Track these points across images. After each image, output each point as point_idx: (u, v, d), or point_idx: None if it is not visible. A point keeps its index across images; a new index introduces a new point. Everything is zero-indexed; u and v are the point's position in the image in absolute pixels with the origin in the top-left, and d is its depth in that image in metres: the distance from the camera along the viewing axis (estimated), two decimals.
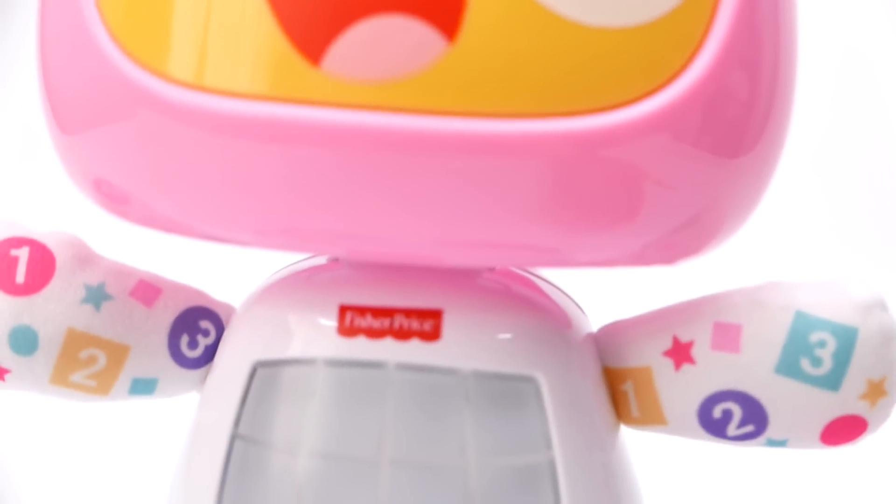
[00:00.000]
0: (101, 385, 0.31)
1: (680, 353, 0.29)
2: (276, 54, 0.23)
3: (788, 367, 0.28)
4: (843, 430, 0.29)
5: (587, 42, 0.23)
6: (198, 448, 0.31)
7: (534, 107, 0.24)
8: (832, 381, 0.28)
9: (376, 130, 0.23)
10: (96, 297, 0.30)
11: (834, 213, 0.64)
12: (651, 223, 0.26)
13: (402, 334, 0.28)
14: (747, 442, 0.30)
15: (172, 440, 0.34)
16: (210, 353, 0.31)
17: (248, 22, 0.24)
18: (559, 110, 0.24)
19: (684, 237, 0.27)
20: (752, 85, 0.26)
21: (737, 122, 0.26)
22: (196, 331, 0.31)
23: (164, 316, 0.31)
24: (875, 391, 0.29)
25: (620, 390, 0.31)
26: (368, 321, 0.28)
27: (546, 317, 0.29)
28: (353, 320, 0.28)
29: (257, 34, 0.23)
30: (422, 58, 0.23)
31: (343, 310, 0.28)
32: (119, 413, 0.49)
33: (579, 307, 0.31)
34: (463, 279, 0.30)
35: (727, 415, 0.29)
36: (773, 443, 0.30)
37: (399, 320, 0.28)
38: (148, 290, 0.31)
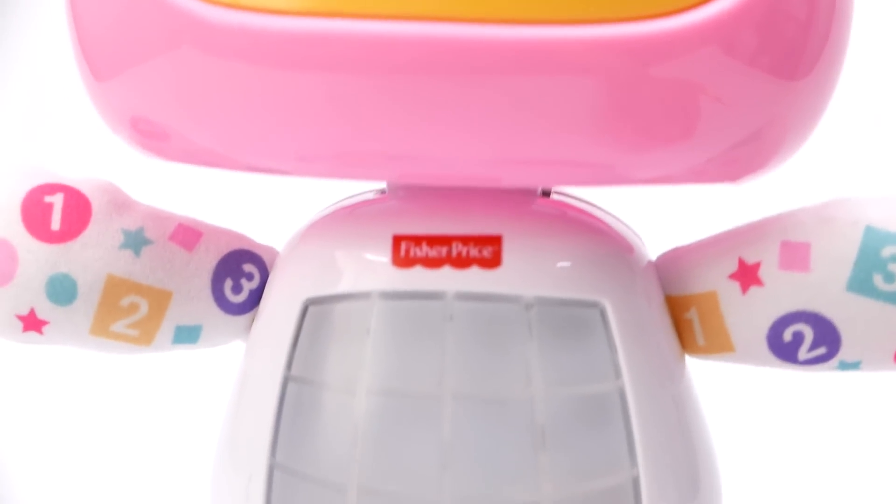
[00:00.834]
0: (144, 334, 0.29)
1: (747, 275, 0.28)
2: None
3: (861, 283, 0.27)
4: None
5: None
6: (248, 396, 0.29)
7: (584, 12, 0.23)
8: None
9: (426, 41, 0.22)
10: (135, 242, 0.29)
11: None
12: (709, 140, 0.25)
13: (461, 262, 0.27)
14: (819, 366, 0.29)
15: (172, 440, 0.32)
16: (255, 298, 0.30)
17: None
18: (610, 16, 0.23)
19: (745, 153, 0.26)
20: (809, 6, 0.25)
21: (794, 42, 0.25)
22: (240, 274, 0.30)
23: (206, 260, 0.29)
24: None
25: (684, 319, 0.29)
26: (425, 250, 0.27)
27: (607, 241, 0.28)
28: (408, 250, 0.27)
29: None
30: None
31: (397, 240, 0.27)
32: (119, 413, 0.48)
33: (637, 235, 0.30)
34: (519, 205, 0.28)
35: (798, 337, 0.28)
36: (845, 366, 0.28)
37: (457, 248, 0.27)
38: (188, 234, 0.29)
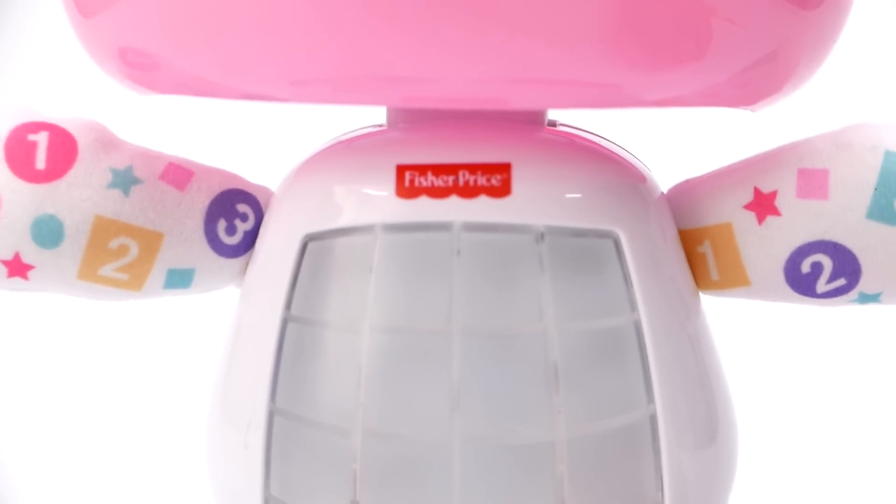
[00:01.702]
0: (134, 278, 0.28)
1: (763, 205, 0.27)
2: None
3: (882, 210, 0.26)
4: None
5: None
6: (244, 340, 0.28)
7: None
8: None
9: None
10: (124, 181, 0.27)
11: None
12: (720, 60, 0.24)
13: (469, 191, 0.26)
14: (838, 299, 0.28)
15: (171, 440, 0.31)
16: (250, 240, 0.29)
17: None
18: None
19: (757, 76, 0.25)
20: None
21: None
22: (234, 215, 0.29)
23: (199, 199, 0.28)
24: None
25: (697, 252, 0.28)
26: (430, 180, 0.26)
27: (619, 170, 0.27)
28: (412, 180, 0.26)
29: None
30: None
31: (401, 170, 0.26)
32: (117, 413, 0.47)
33: (647, 167, 0.29)
34: (527, 133, 0.27)
35: (817, 268, 0.27)
36: (865, 298, 0.27)
37: (464, 176, 0.26)
38: (179, 173, 0.28)
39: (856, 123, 0.28)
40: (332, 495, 0.27)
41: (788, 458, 0.44)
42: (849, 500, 0.41)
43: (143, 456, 0.44)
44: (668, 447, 0.26)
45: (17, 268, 0.27)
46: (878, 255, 0.27)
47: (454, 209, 0.26)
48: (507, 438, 0.26)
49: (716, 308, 0.30)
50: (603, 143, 0.28)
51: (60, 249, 0.27)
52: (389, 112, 0.28)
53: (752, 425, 0.33)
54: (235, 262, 0.29)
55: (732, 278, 0.28)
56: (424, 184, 0.26)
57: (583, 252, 0.26)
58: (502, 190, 0.26)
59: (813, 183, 0.27)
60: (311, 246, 0.27)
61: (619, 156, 0.28)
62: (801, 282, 0.27)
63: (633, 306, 0.26)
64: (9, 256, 0.27)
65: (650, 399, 0.26)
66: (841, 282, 0.27)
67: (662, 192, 0.28)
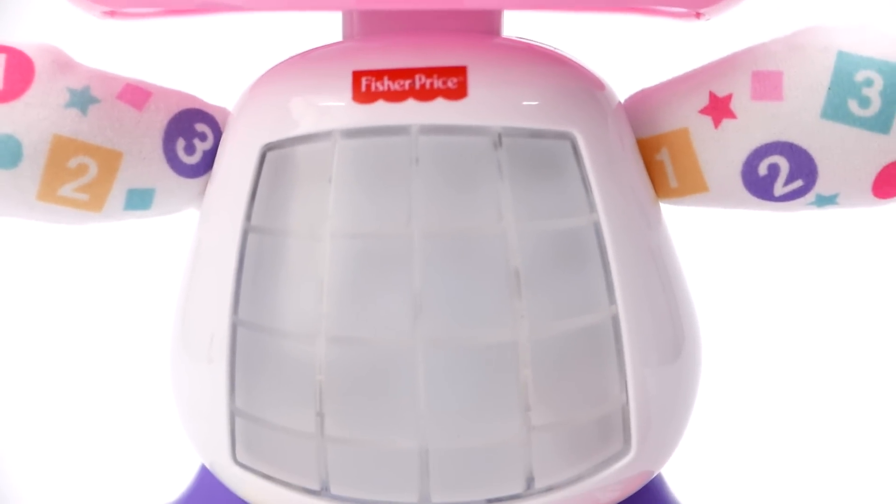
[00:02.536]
0: (94, 199, 0.28)
1: (718, 109, 0.27)
2: None
3: (835, 110, 0.27)
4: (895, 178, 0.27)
5: None
6: (205, 256, 0.28)
7: None
8: (882, 123, 0.27)
9: None
10: (81, 100, 0.27)
11: None
12: None
13: (426, 94, 0.26)
14: (795, 202, 0.28)
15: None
16: (208, 160, 0.29)
17: None
18: None
19: None
20: None
21: None
22: (192, 134, 0.29)
23: (157, 118, 0.28)
24: None
25: (655, 160, 0.28)
26: (386, 84, 0.26)
27: (577, 75, 0.27)
28: (369, 85, 0.26)
29: None
30: None
31: (357, 75, 0.26)
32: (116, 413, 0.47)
33: (603, 78, 0.29)
34: (484, 38, 0.27)
35: (774, 170, 0.27)
36: (822, 200, 0.28)
37: (420, 80, 0.26)
38: (137, 93, 0.28)
39: (809, 26, 0.28)
40: (297, 407, 0.27)
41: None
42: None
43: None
44: (632, 348, 0.27)
45: None
46: (834, 154, 0.27)
47: (411, 112, 0.26)
48: (471, 340, 0.26)
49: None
50: (562, 50, 0.28)
51: (19, 169, 0.27)
52: (345, 25, 0.28)
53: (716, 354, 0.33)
54: (195, 183, 0.29)
55: (691, 184, 0.28)
56: (381, 88, 0.26)
57: (541, 155, 0.26)
58: (458, 92, 0.26)
59: (767, 85, 0.27)
60: (269, 156, 0.27)
61: (577, 62, 0.28)
62: (758, 184, 0.27)
63: (591, 208, 0.26)
64: None
65: (612, 301, 0.26)
66: (798, 183, 0.27)
67: (620, 102, 0.28)
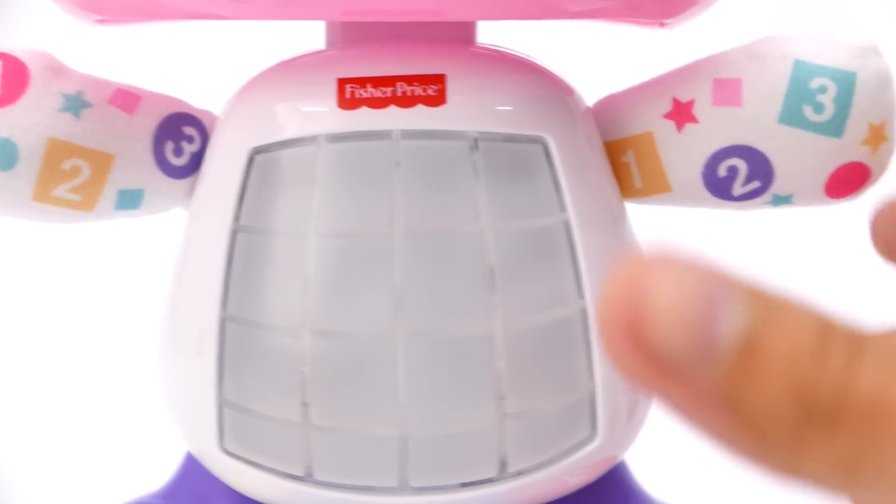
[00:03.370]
0: (86, 199, 0.29)
1: (681, 114, 0.29)
2: None
3: (791, 115, 0.28)
4: (847, 179, 0.29)
5: None
6: (194, 254, 0.29)
7: None
8: (835, 127, 0.28)
9: None
10: (75, 105, 0.28)
11: None
12: None
13: (406, 101, 0.27)
14: (753, 202, 0.30)
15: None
16: (196, 162, 0.30)
17: None
18: None
19: None
20: None
21: None
22: (180, 137, 0.30)
23: (147, 122, 0.29)
24: (876, 136, 0.29)
25: (622, 162, 0.30)
26: (370, 91, 0.27)
27: (548, 82, 0.29)
28: (353, 92, 0.27)
29: None
30: None
31: (342, 83, 0.27)
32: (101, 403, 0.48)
33: (573, 84, 0.31)
34: (461, 46, 0.29)
35: (733, 172, 0.29)
36: (778, 200, 0.29)
37: (402, 87, 0.27)
38: (127, 98, 0.29)
39: (768, 36, 0.30)
40: (283, 397, 0.28)
41: None
42: None
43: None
44: (599, 341, 0.28)
45: None
46: (790, 157, 0.29)
47: (393, 118, 0.27)
48: (447, 333, 0.27)
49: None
50: (534, 58, 0.30)
51: (16, 171, 0.28)
52: (329, 34, 0.30)
53: None
54: (183, 183, 0.30)
55: (654, 185, 0.30)
56: (364, 95, 0.27)
57: (514, 158, 0.28)
58: (438, 99, 0.27)
59: (728, 91, 0.29)
60: (257, 159, 0.28)
61: (548, 69, 0.29)
62: (718, 185, 0.29)
63: (562, 207, 0.28)
64: None
65: (580, 295, 0.28)
66: (755, 184, 0.29)
67: (588, 106, 0.30)
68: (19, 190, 0.28)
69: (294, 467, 0.28)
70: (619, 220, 0.29)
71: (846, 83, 0.28)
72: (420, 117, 0.27)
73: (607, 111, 0.30)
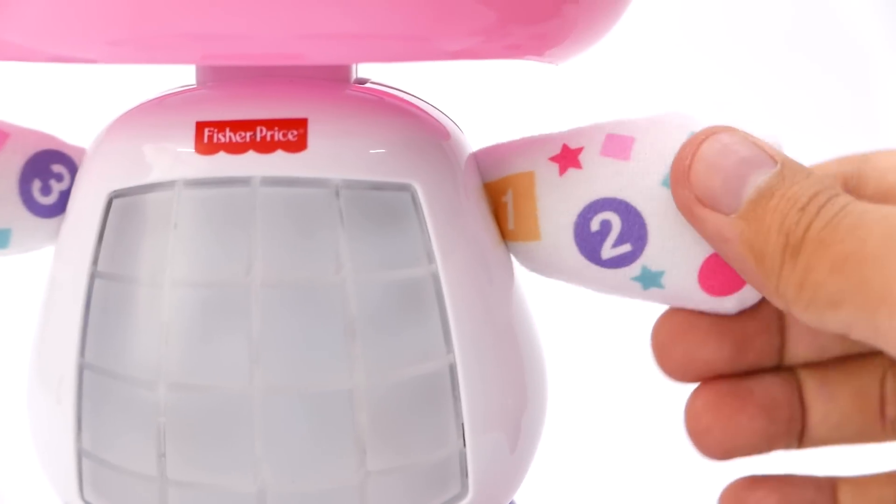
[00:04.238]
0: None
1: (567, 158, 0.28)
2: None
3: None
4: (723, 273, 0.28)
5: None
6: (55, 296, 0.28)
7: None
8: None
9: None
10: None
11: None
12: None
13: (266, 146, 0.26)
14: (621, 270, 0.28)
15: None
16: (65, 200, 0.29)
17: None
18: None
19: (553, 26, 0.26)
20: None
21: None
22: (48, 175, 0.29)
23: (13, 160, 0.29)
24: None
25: (501, 202, 0.29)
26: (228, 136, 0.26)
27: (420, 125, 0.28)
28: (211, 136, 0.26)
29: None
30: None
31: (200, 126, 0.26)
32: None
33: (458, 127, 0.30)
34: (329, 89, 0.28)
35: (605, 227, 0.28)
36: (648, 277, 0.28)
37: (261, 132, 0.26)
38: None
39: (675, 110, 0.28)
40: (140, 448, 0.27)
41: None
42: None
43: None
44: (469, 396, 0.27)
45: None
46: (666, 223, 0.27)
47: (252, 164, 0.26)
48: (307, 388, 0.26)
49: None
50: (412, 100, 0.29)
51: None
52: (198, 71, 0.29)
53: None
54: (52, 222, 0.29)
55: (525, 230, 0.28)
56: (223, 140, 0.26)
57: (381, 205, 0.27)
58: (298, 145, 0.26)
59: (618, 145, 0.27)
60: (116, 203, 0.27)
61: (423, 112, 0.28)
62: (588, 240, 0.28)
63: (430, 258, 0.27)
64: None
65: (449, 349, 0.27)
66: (626, 247, 0.27)
67: (471, 151, 0.29)
68: None
69: None
70: (494, 267, 0.28)
71: None
72: (280, 163, 0.26)
73: (493, 153, 0.29)
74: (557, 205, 0.28)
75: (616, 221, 0.27)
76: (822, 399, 0.29)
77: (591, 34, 0.27)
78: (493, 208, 0.29)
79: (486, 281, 0.28)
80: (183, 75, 0.30)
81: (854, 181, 0.29)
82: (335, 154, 0.26)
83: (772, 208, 0.25)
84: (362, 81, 0.29)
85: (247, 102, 0.27)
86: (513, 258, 0.30)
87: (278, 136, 0.26)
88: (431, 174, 0.27)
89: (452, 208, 0.27)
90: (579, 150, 0.28)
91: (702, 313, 0.28)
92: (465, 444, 0.27)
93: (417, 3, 0.23)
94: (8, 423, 0.46)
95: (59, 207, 0.29)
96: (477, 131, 0.31)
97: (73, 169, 0.29)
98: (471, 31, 0.24)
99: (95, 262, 0.27)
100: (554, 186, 0.28)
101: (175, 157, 0.27)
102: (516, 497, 0.32)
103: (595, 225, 0.27)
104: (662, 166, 0.27)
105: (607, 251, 0.27)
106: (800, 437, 0.30)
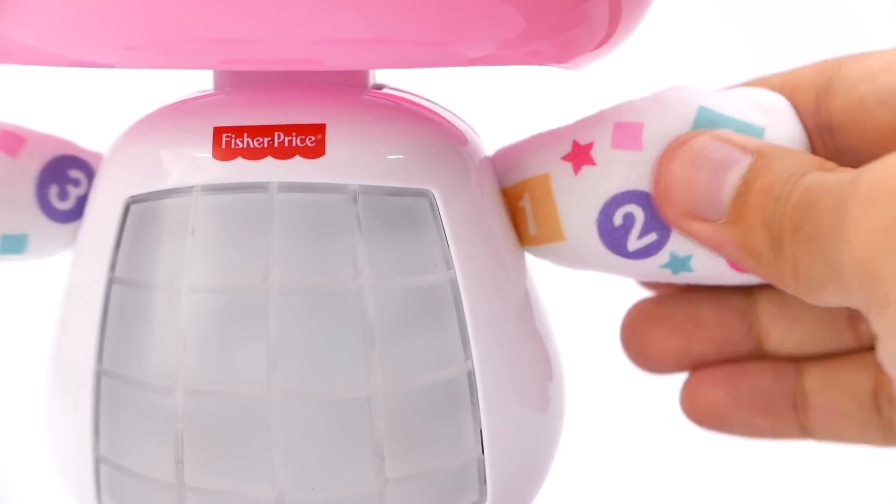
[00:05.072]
0: None
1: (579, 156, 0.28)
2: None
3: None
4: None
5: None
6: (73, 302, 0.28)
7: None
8: None
9: None
10: None
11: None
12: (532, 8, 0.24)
13: (283, 152, 0.26)
14: (649, 260, 0.28)
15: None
16: (82, 206, 0.29)
17: None
18: None
19: (576, 34, 0.25)
20: None
21: None
22: (66, 181, 0.29)
23: (30, 165, 0.28)
24: None
25: (518, 208, 0.29)
26: (246, 141, 0.26)
27: (438, 131, 0.28)
28: (229, 142, 0.26)
29: None
30: None
31: (218, 132, 0.26)
32: None
33: (475, 131, 0.29)
34: (347, 95, 0.28)
35: (629, 220, 0.27)
36: (676, 262, 0.28)
37: (279, 138, 0.26)
38: (10, 140, 0.28)
39: (674, 86, 0.28)
40: (158, 454, 0.27)
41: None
42: None
43: None
44: (487, 403, 0.27)
45: None
46: None
47: (269, 170, 0.26)
48: (325, 394, 0.26)
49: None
50: (429, 106, 0.29)
51: None
52: (216, 76, 0.29)
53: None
54: (69, 228, 0.29)
55: (548, 232, 0.28)
56: (240, 145, 0.26)
57: (399, 211, 0.27)
58: (317, 150, 0.26)
59: (628, 135, 0.27)
60: (133, 208, 0.27)
61: (441, 118, 0.28)
62: (613, 235, 0.28)
63: (448, 264, 0.27)
64: None
65: (467, 356, 0.27)
66: (652, 237, 0.27)
67: (487, 155, 0.29)
68: None
69: None
70: (512, 273, 0.28)
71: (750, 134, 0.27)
72: (298, 169, 0.26)
73: (507, 157, 0.29)
74: (578, 204, 0.27)
75: (639, 213, 0.27)
76: (783, 320, 0.30)
77: (612, 41, 0.26)
78: (510, 213, 0.29)
79: (505, 287, 0.28)
80: (200, 80, 0.30)
81: (824, 93, 0.28)
82: (353, 160, 0.26)
83: (752, 204, 0.24)
84: (379, 87, 0.29)
85: (264, 108, 0.26)
86: (529, 260, 0.29)
87: (296, 141, 0.26)
88: (449, 180, 0.27)
89: (470, 214, 0.27)
90: (590, 145, 0.28)
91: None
92: (483, 451, 0.27)
93: (439, 10, 0.23)
94: (26, 429, 0.46)
95: (77, 213, 0.29)
96: (493, 134, 0.31)
97: (90, 174, 0.29)
98: (493, 37, 0.24)
99: (113, 267, 0.27)
100: (571, 186, 0.27)
101: (193, 163, 0.26)
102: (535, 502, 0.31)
103: (618, 219, 0.27)
104: None
105: (633, 243, 0.27)
106: (759, 355, 0.31)
